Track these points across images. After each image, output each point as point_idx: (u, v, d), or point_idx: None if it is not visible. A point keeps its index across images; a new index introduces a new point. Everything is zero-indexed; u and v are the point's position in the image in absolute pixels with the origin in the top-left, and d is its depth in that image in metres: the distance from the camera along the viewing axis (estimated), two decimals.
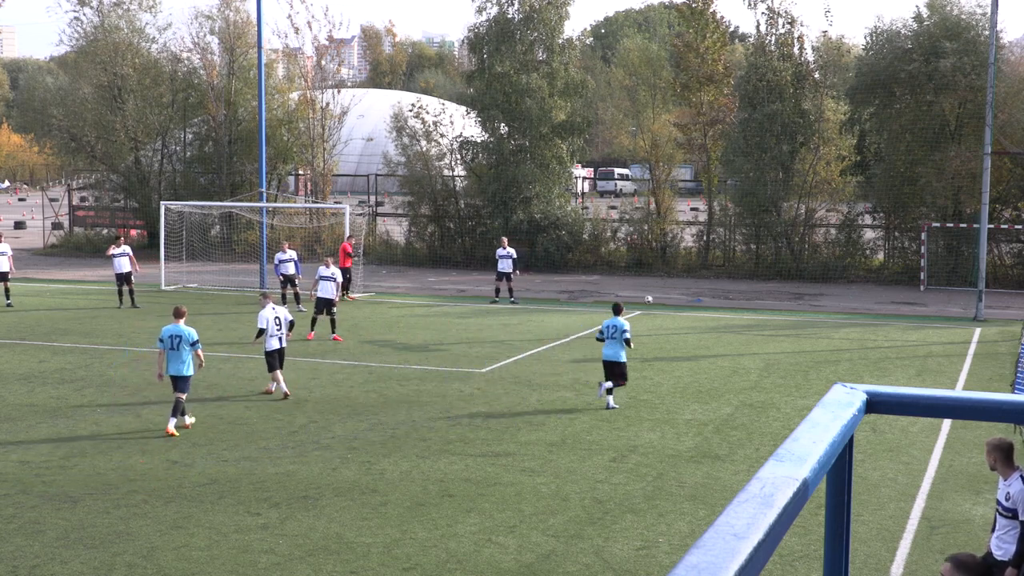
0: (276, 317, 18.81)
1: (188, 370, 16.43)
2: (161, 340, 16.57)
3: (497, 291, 32.10)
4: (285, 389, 18.70)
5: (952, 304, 32.59)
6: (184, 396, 16.40)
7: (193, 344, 16.42)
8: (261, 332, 18.85)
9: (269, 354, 18.76)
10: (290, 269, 29.93)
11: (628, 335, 18.26)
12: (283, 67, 53.31)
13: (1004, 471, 9.17)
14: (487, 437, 16.23)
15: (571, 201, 44.48)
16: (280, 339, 18.85)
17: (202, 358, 16.89)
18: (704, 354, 23.79)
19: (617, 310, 18.89)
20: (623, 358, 18.27)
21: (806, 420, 2.44)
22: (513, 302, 31.69)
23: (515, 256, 31.89)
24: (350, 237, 34.40)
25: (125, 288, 29.89)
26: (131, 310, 29.30)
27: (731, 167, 40.85)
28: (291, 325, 19.26)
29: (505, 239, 33.82)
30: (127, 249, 30.30)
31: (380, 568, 10.99)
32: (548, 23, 41.30)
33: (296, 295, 29.79)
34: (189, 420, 16.66)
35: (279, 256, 30.21)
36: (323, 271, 25.59)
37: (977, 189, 31.49)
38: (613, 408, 18.15)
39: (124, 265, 29.84)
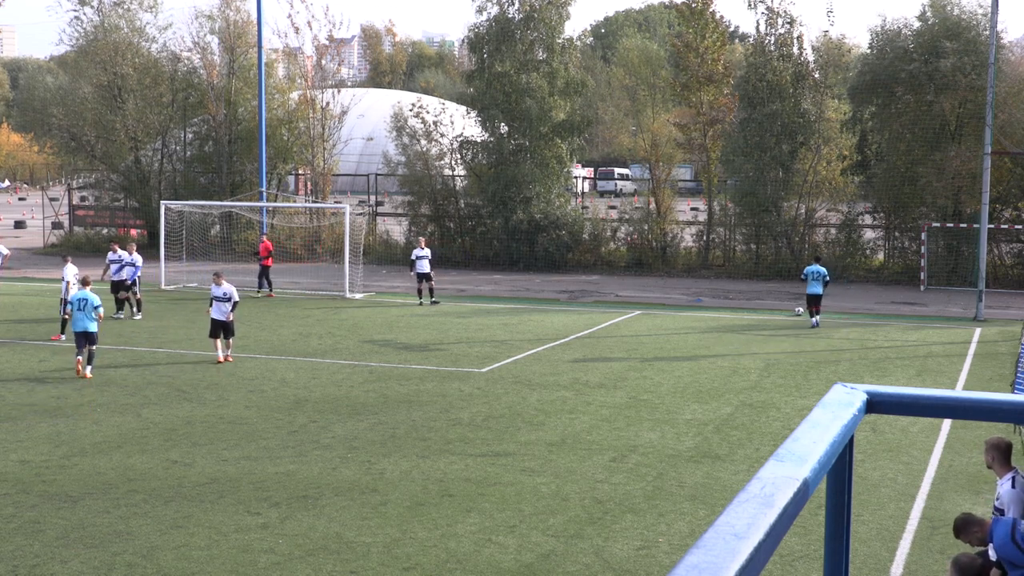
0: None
1: (95, 327, 20.42)
2: (71, 303, 20.70)
3: (419, 292, 31.32)
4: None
5: (952, 304, 32.59)
6: (95, 347, 20.60)
7: (96, 307, 20.46)
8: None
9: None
10: (123, 273, 27.76)
11: (827, 278, 27.50)
12: (283, 67, 53.32)
13: (1000, 470, 9.20)
14: (487, 437, 16.23)
15: (571, 201, 44.50)
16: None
17: (101, 317, 20.77)
18: (704, 354, 23.79)
19: (817, 259, 28.95)
20: (821, 291, 27.27)
21: (806, 420, 2.44)
22: (435, 302, 31.15)
23: (429, 257, 31.42)
24: (264, 235, 35.18)
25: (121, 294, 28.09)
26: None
27: (731, 167, 40.87)
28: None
29: (423, 239, 33.87)
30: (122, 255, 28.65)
31: (380, 568, 10.98)
32: (548, 23, 41.31)
33: (138, 301, 28.00)
34: (91, 371, 20.32)
35: (111, 256, 28.18)
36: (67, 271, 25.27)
37: (977, 189, 31.50)
38: (816, 327, 27.14)
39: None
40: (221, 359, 21.91)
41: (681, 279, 38.97)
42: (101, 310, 20.68)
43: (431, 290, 31.32)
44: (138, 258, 28.51)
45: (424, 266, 31.02)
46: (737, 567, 1.73)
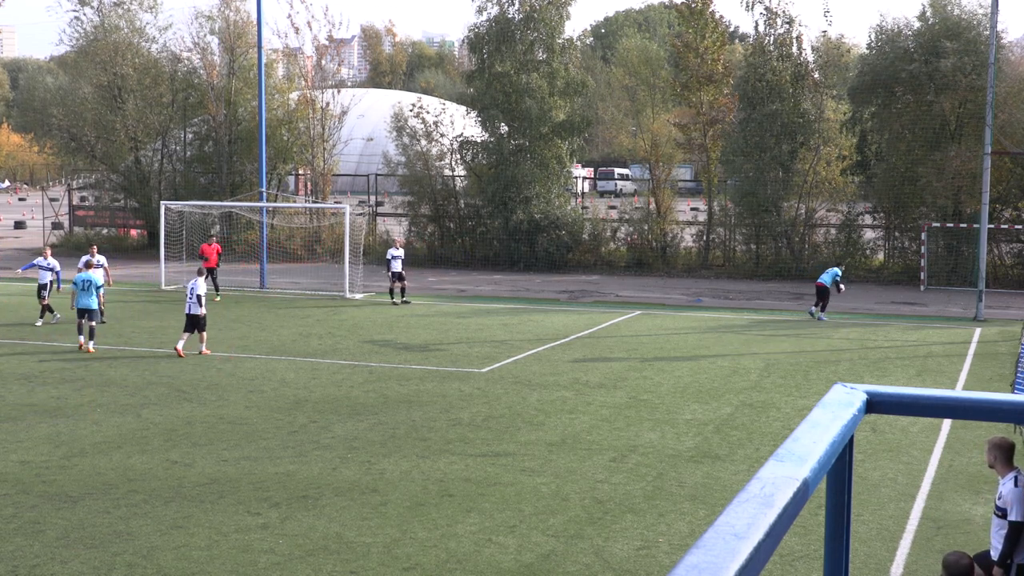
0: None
1: (94, 303, 23.22)
2: (75, 283, 23.31)
3: (392, 292, 31.62)
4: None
5: (952, 304, 32.59)
6: (95, 323, 23.40)
7: (98, 288, 23.44)
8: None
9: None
10: (45, 277, 26.88)
11: (839, 276, 29.24)
12: (283, 67, 53.31)
13: (1001, 470, 9.21)
14: (487, 437, 16.23)
15: (571, 201, 44.52)
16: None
17: (103, 296, 23.99)
18: (704, 354, 23.79)
19: (837, 264, 32.12)
20: (828, 283, 28.85)
21: (806, 420, 2.44)
22: (406, 302, 31.32)
23: (403, 257, 31.94)
24: (211, 237, 35.54)
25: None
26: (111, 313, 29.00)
27: (731, 167, 40.87)
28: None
29: (398, 240, 34.30)
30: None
31: (380, 568, 10.98)
32: (548, 23, 41.31)
33: (46, 307, 27.05)
34: (93, 345, 23.01)
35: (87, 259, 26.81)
36: None
37: (977, 189, 31.50)
38: (824, 320, 28.70)
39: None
40: (180, 350, 22.65)
41: (681, 279, 38.97)
42: (102, 290, 23.94)
43: (403, 289, 31.56)
44: (55, 263, 27.41)
45: (397, 266, 31.33)
46: (737, 567, 1.72)
